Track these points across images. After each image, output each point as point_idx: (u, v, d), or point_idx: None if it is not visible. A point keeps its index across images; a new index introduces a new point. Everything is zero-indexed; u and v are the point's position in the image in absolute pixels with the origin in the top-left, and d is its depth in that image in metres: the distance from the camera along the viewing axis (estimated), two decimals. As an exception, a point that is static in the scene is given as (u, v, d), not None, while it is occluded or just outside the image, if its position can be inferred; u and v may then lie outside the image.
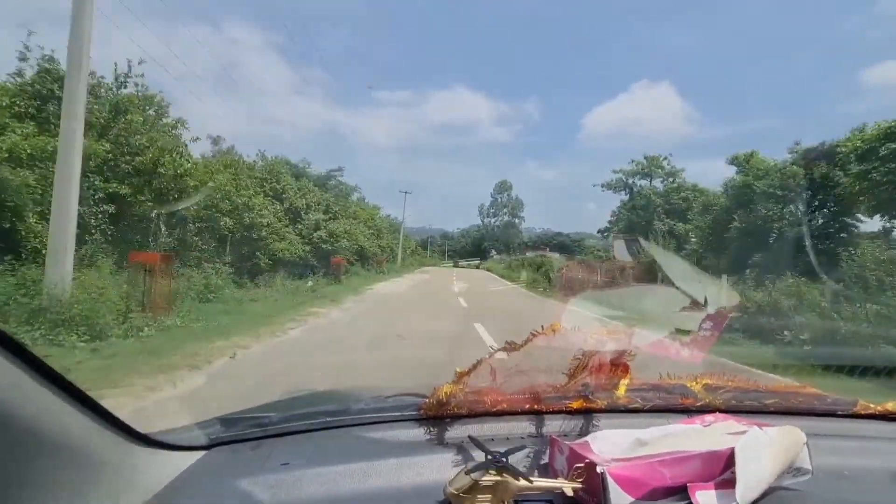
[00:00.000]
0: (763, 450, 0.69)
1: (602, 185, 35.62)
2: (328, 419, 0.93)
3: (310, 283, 15.32)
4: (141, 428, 0.76)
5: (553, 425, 0.98)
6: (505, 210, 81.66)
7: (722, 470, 0.69)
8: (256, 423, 0.91)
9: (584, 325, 0.90)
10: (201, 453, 0.84)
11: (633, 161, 34.74)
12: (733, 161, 17.58)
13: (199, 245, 12.07)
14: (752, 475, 0.65)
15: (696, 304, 0.86)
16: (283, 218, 17.08)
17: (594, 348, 0.89)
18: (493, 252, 76.99)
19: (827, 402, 1.13)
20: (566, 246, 65.20)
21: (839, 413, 1.12)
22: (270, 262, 14.71)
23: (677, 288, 0.81)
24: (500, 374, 0.92)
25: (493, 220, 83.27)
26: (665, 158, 33.66)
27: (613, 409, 1.02)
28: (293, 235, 17.28)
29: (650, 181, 34.30)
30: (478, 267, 62.84)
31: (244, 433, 0.89)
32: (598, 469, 0.65)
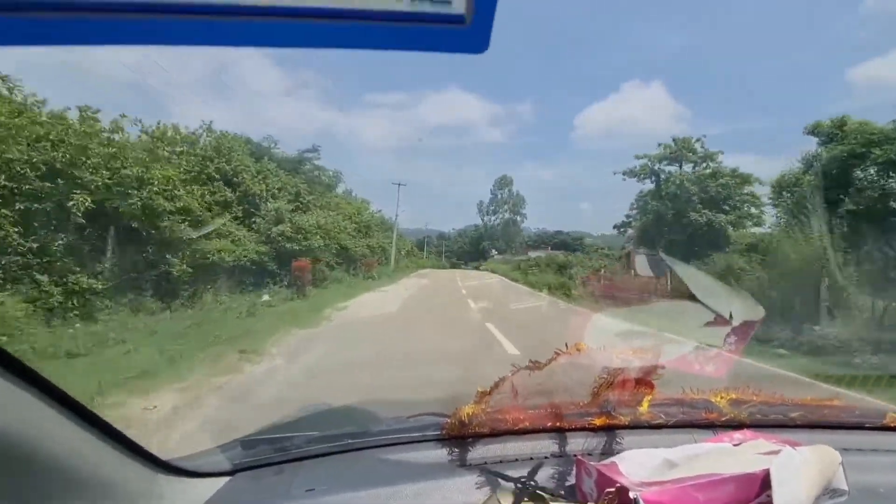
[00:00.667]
0: (798, 471, 0.67)
1: (623, 173, 29.41)
2: (350, 441, 0.93)
3: (265, 298, 11.14)
4: (162, 456, 0.76)
5: (576, 443, 0.96)
6: (505, 207, 76.70)
7: (757, 493, 0.67)
8: (278, 446, 0.90)
9: (609, 342, 0.89)
10: (224, 479, 0.84)
11: (661, 145, 28.76)
12: (814, 130, 13.54)
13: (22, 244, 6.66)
14: (789, 499, 0.64)
15: (720, 319, 0.86)
16: (232, 208, 12.81)
17: (621, 366, 0.88)
18: (494, 252, 72.74)
19: (855, 414, 1.11)
20: (567, 244, 62.18)
21: (868, 426, 1.09)
22: (192, 269, 9.55)
23: (701, 302, 0.80)
24: (523, 393, 0.91)
25: (492, 218, 77.99)
26: (697, 140, 27.98)
27: (637, 426, 1.01)
28: (244, 231, 12.74)
29: (680, 166, 28.65)
30: (477, 268, 59.12)
31: (266, 458, 0.88)
32: (631, 494, 0.64)
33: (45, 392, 0.53)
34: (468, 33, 0.31)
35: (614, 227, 37.41)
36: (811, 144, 13.83)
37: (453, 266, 73.43)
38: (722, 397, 1.07)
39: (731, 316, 0.86)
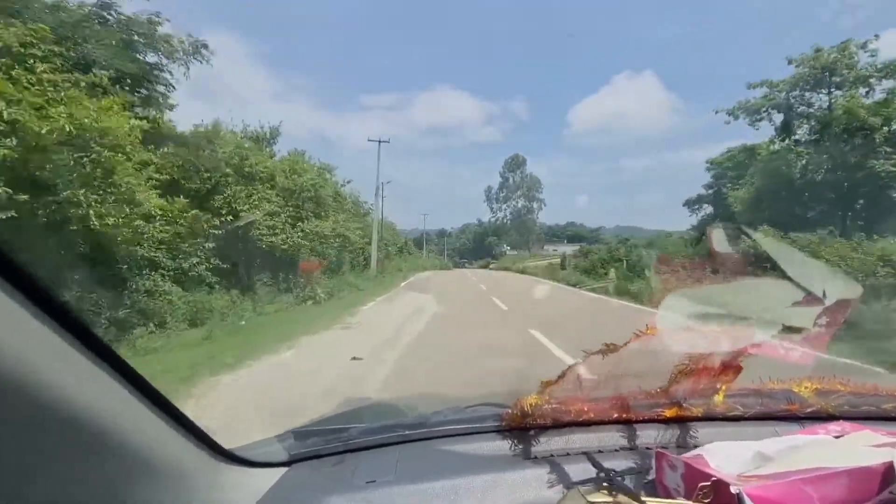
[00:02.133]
0: (929, 465, 0.59)
1: (730, 112, 18.61)
2: (408, 432, 0.90)
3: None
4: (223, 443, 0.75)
5: (647, 435, 0.90)
6: (518, 193, 63.87)
7: (879, 489, 0.59)
8: (335, 436, 0.88)
9: (684, 325, 0.82)
10: (282, 470, 0.82)
11: (793, 62, 16.85)
12: None
13: None
14: (922, 496, 0.56)
15: (812, 298, 0.77)
16: None
17: (704, 350, 0.80)
18: (506, 247, 62.44)
19: None
20: (583, 237, 57.43)
21: None
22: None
23: (790, 280, 0.71)
24: (588, 382, 0.85)
25: (503, 207, 65.56)
26: (864, 46, 15.97)
27: (711, 417, 0.93)
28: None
29: (830, 91, 16.58)
30: (487, 266, 52.46)
31: (324, 448, 0.86)
32: (733, 489, 0.57)
33: (119, 373, 0.52)
34: None
35: (685, 203, 29.00)
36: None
37: (456, 265, 65.90)
38: (806, 387, 0.97)
39: (824, 294, 0.78)
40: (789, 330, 0.80)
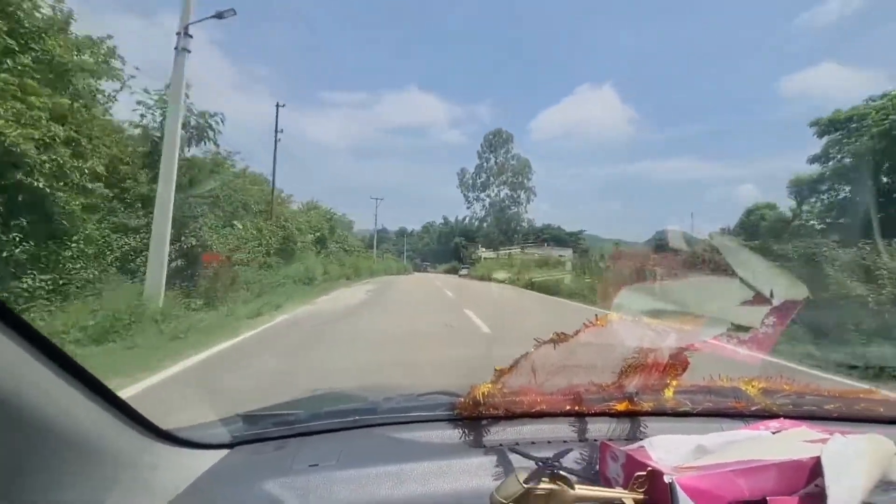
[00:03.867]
0: (853, 460, 0.60)
1: (818, 125, 16.65)
2: (357, 418, 0.88)
3: None
4: (162, 424, 0.72)
5: (597, 428, 0.90)
6: (502, 178, 49.11)
7: (806, 482, 0.61)
8: (282, 420, 0.86)
9: (636, 320, 0.82)
10: (224, 452, 0.79)
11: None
12: None
13: None
14: (844, 489, 0.57)
15: (760, 297, 0.78)
16: None
17: (651, 345, 0.81)
18: (481, 249, 47.50)
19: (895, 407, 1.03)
20: (561, 239, 45.59)
21: None
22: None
23: (739, 278, 0.73)
24: (542, 373, 0.85)
25: (481, 196, 50.40)
26: None
27: (661, 412, 0.95)
28: None
29: None
30: (456, 272, 42.18)
31: (269, 431, 0.84)
32: (666, 478, 0.58)
33: (48, 356, 0.49)
34: None
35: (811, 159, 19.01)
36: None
37: (417, 268, 55.93)
38: (753, 386, 1.00)
39: (771, 294, 0.79)
40: (738, 328, 0.82)
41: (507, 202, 50.86)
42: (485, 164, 52.14)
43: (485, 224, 51.38)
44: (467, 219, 55.08)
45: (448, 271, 52.42)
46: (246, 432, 0.83)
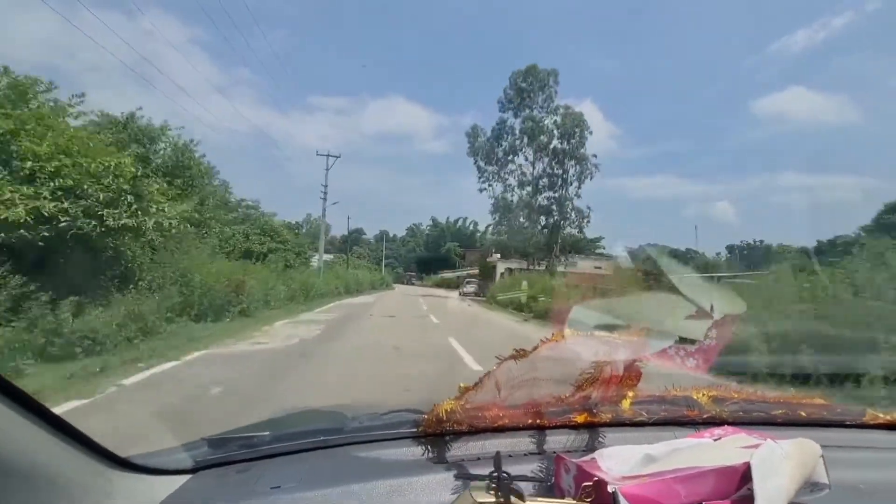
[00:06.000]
0: (780, 464, 0.66)
1: None
2: (322, 438, 0.89)
3: None
4: (121, 452, 0.71)
5: (557, 441, 0.94)
6: (542, 139, 27.45)
7: (738, 486, 0.65)
8: (245, 443, 0.86)
9: (590, 334, 0.87)
10: (185, 478, 0.79)
11: None
12: None
13: None
14: (771, 491, 0.62)
15: (702, 312, 0.85)
16: None
17: (605, 358, 0.86)
18: (496, 256, 32.01)
19: (836, 412, 1.11)
20: (578, 248, 28.43)
21: (848, 423, 1.09)
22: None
23: (682, 295, 0.78)
24: (505, 388, 0.88)
25: (502, 173, 28.94)
26: None
27: (618, 423, 0.99)
28: None
29: None
30: (464, 292, 31.07)
31: (232, 455, 0.84)
32: (609, 488, 0.61)
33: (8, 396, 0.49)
34: None
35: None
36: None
37: (399, 280, 43.79)
38: (703, 394, 1.06)
39: (712, 309, 0.85)
40: (684, 341, 0.87)
41: (548, 181, 27.76)
42: (512, 118, 28.30)
43: (504, 218, 28.99)
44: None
45: (438, 284, 39.85)
46: (209, 456, 0.83)
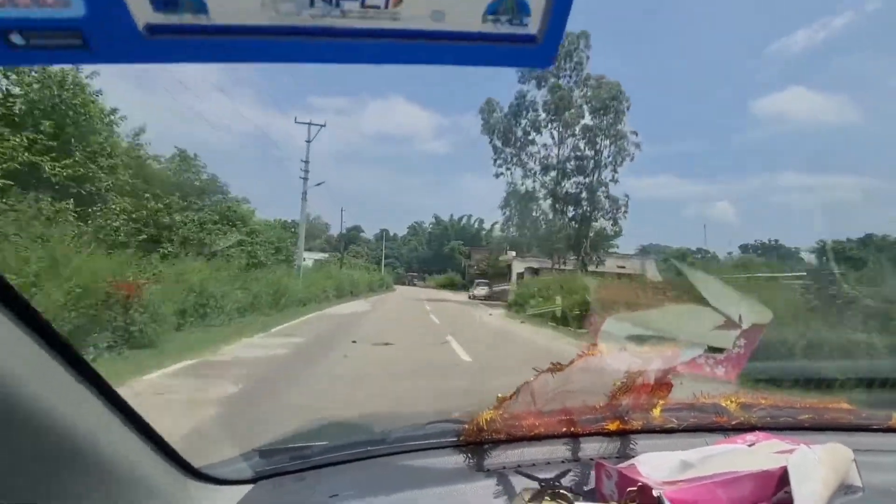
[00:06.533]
0: (815, 468, 0.69)
1: None
2: (369, 448, 0.94)
3: None
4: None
5: (591, 448, 0.97)
6: (570, 113, 22.36)
7: (775, 490, 0.69)
8: (299, 454, 0.91)
9: (621, 346, 0.91)
10: (246, 487, 0.84)
11: None
12: None
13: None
14: (808, 494, 0.65)
15: (730, 322, 0.88)
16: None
17: (638, 369, 0.90)
18: (510, 254, 28.54)
19: (862, 416, 1.13)
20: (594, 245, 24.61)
21: (874, 427, 1.11)
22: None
23: (710, 306, 0.81)
24: (540, 399, 0.92)
25: (523, 154, 24.11)
26: None
27: (649, 430, 1.02)
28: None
29: None
30: (474, 295, 27.26)
31: (287, 465, 0.89)
32: (655, 492, 0.65)
33: (97, 388, 0.54)
34: (538, 51, 0.34)
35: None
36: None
37: (399, 280, 39.71)
38: (732, 401, 1.09)
39: (740, 319, 0.89)
40: (712, 350, 0.91)
41: (577, 164, 23.27)
42: (534, 91, 23.70)
43: (528, 211, 24.54)
44: (473, 220, 31.53)
45: (443, 286, 37.05)
46: (266, 467, 0.88)
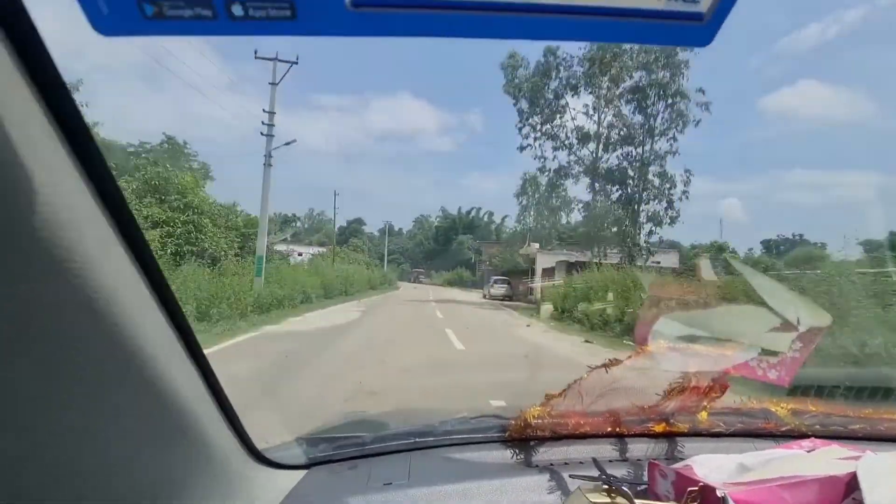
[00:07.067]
0: (887, 475, 0.67)
1: None
2: (417, 439, 0.95)
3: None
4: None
5: (637, 448, 0.97)
6: (613, 71, 17.17)
7: (843, 496, 0.67)
8: (352, 442, 0.93)
9: (673, 347, 0.90)
10: (301, 472, 0.86)
11: None
12: None
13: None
14: (880, 501, 0.64)
15: (787, 325, 0.86)
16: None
17: (692, 369, 0.89)
18: (532, 245, 24.55)
19: None
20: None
21: None
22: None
23: (767, 307, 0.78)
24: (589, 397, 0.92)
25: (554, 124, 18.66)
26: None
27: (696, 433, 1.01)
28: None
29: None
30: (490, 294, 24.56)
31: (340, 453, 0.91)
32: (719, 493, 0.64)
33: (196, 363, 0.57)
34: (701, 30, 0.34)
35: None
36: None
37: (403, 276, 36.24)
38: (782, 407, 1.06)
39: (797, 321, 0.87)
40: (767, 353, 0.89)
41: (624, 132, 18.80)
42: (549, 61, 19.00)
43: (554, 195, 20.90)
44: (482, 213, 28.43)
45: (451, 283, 34.55)
46: (319, 454, 0.90)
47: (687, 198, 18.17)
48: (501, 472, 0.85)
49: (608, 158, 19.12)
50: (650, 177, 18.32)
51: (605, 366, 0.86)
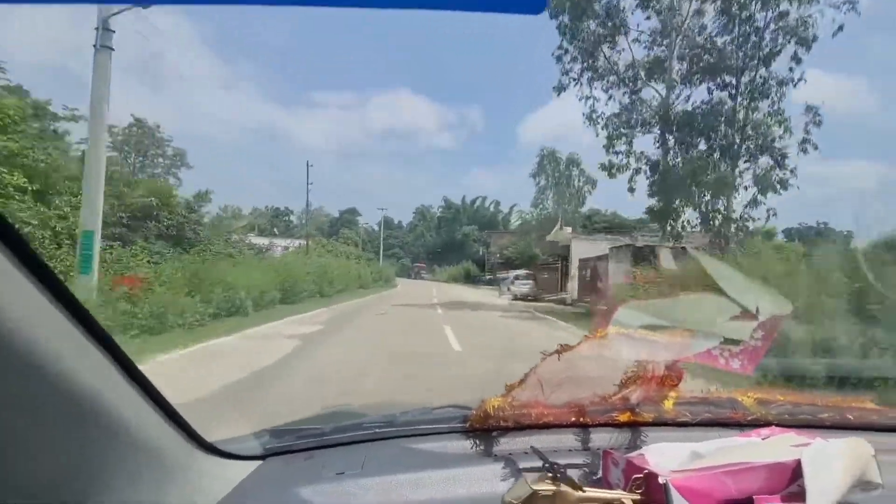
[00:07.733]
0: (831, 461, 0.67)
1: None
2: (377, 430, 0.95)
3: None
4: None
5: (600, 438, 0.96)
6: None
7: (788, 482, 0.67)
8: (308, 433, 0.93)
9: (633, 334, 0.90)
10: (256, 463, 0.86)
11: None
12: None
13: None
14: (822, 487, 0.63)
15: (747, 314, 0.85)
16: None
17: (648, 357, 0.88)
18: (565, 229, 21.62)
19: (888, 416, 1.08)
20: (625, 229, 25.15)
21: None
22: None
23: (727, 296, 0.78)
24: (548, 386, 0.92)
25: (613, 74, 12.81)
26: None
27: (661, 423, 1.01)
28: None
29: None
30: (509, 290, 21.36)
31: (296, 444, 0.91)
32: (660, 480, 0.64)
33: (115, 359, 0.57)
34: None
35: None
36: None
37: (404, 271, 33.41)
38: (748, 396, 1.06)
39: (757, 310, 0.86)
40: (729, 342, 0.89)
41: (708, 58, 12.81)
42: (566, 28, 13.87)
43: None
44: (488, 203, 25.67)
45: (456, 278, 31.93)
46: (276, 445, 0.90)
47: (807, 151, 12.37)
48: (458, 462, 0.85)
49: (686, 95, 13.26)
50: (754, 118, 12.50)
51: (557, 352, 0.85)
